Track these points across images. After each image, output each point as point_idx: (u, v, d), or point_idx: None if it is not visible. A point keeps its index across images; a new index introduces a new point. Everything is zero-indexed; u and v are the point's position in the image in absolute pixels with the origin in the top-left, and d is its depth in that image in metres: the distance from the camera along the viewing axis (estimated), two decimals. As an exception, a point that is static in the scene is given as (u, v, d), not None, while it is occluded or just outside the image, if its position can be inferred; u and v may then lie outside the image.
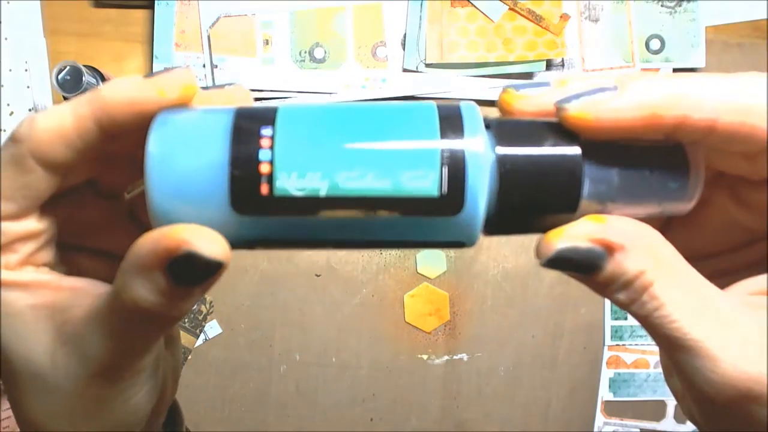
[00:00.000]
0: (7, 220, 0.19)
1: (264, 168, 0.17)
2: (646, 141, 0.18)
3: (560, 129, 0.18)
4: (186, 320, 0.60)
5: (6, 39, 0.59)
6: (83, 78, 0.47)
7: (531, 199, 0.18)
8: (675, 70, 0.62)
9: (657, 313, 0.17)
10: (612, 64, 0.61)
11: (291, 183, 0.17)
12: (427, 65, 0.60)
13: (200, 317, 0.61)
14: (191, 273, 0.17)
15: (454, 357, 0.63)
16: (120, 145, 0.19)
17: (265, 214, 0.17)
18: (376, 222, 0.18)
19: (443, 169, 0.17)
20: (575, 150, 0.18)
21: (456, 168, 0.17)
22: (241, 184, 0.17)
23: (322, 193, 0.17)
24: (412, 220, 0.18)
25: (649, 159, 0.18)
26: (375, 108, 0.18)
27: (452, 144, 0.17)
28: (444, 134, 0.17)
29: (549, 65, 0.60)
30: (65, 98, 0.49)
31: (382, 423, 0.63)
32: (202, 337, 0.61)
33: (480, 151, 0.17)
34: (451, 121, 0.18)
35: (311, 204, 0.17)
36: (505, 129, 0.18)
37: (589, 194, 0.18)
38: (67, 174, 0.19)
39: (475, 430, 0.64)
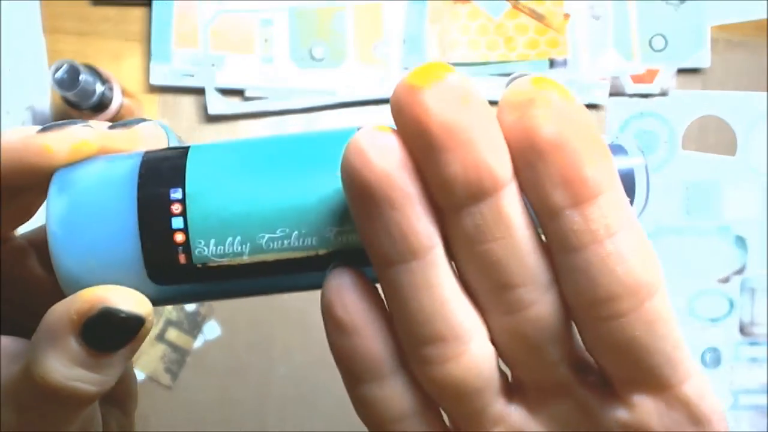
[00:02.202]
0: None
1: (179, 237, 0.16)
2: None
3: None
4: (185, 321, 0.60)
5: (5, 38, 0.58)
6: (80, 76, 0.47)
7: None
8: (679, 70, 0.62)
9: None
10: (615, 63, 0.61)
11: (210, 250, 0.16)
12: (428, 64, 0.59)
13: (199, 318, 0.60)
14: (110, 334, 0.15)
15: (455, 358, 0.63)
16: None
17: (186, 282, 0.16)
18: (307, 275, 0.17)
19: None
20: None
21: None
22: (156, 256, 0.16)
23: (246, 258, 0.16)
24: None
25: None
26: (296, 145, 0.16)
27: None
28: None
29: (552, 64, 0.60)
30: (63, 97, 0.49)
31: (382, 425, 0.63)
32: (201, 338, 0.60)
33: None
34: None
35: (234, 269, 0.16)
36: None
37: None
38: None
39: None
